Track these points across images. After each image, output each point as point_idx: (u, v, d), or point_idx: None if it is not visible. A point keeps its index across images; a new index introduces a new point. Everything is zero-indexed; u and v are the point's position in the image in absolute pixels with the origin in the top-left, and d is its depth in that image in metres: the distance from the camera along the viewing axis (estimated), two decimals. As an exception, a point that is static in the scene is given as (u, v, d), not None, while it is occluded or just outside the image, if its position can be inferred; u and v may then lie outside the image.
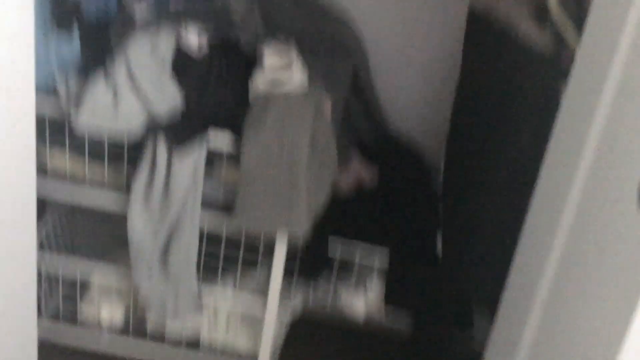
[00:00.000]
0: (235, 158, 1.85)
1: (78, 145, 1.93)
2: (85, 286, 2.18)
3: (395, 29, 2.25)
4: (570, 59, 1.61)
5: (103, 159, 1.94)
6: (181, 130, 1.84)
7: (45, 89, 1.85)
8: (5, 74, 1.64)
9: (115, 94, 1.81)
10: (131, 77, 1.80)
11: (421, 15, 2.21)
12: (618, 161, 1.21)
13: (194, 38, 1.85)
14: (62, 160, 1.96)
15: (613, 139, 1.24)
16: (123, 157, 1.92)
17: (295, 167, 1.79)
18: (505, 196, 1.90)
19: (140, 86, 1.80)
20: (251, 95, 1.84)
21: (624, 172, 1.16)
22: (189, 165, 1.85)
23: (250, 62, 1.91)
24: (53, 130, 1.92)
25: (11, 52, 1.63)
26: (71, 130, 1.89)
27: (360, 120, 2.16)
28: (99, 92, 1.81)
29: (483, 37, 1.88)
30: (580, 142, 1.34)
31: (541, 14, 1.85)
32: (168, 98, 1.83)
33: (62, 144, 1.93)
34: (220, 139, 1.86)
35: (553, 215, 1.41)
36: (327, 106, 1.89)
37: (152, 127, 1.84)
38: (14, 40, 1.63)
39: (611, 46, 1.24)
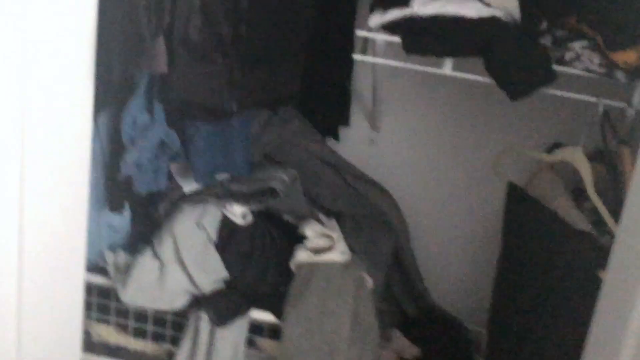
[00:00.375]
0: (276, 331, 1.86)
1: (123, 316, 1.97)
2: None
3: (436, 201, 2.30)
4: (610, 239, 1.65)
5: (146, 332, 1.97)
6: (224, 307, 1.87)
7: (94, 263, 1.91)
8: (58, 249, 1.72)
9: (161, 271, 1.86)
10: (177, 253, 1.86)
11: (461, 187, 2.27)
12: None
13: (239, 208, 1.92)
14: (107, 332, 2.00)
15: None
16: (166, 330, 1.95)
17: (336, 344, 1.80)
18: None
19: (185, 262, 1.85)
20: (293, 265, 1.88)
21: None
22: (231, 340, 1.87)
23: (293, 234, 1.96)
24: (100, 303, 1.97)
25: (65, 228, 1.72)
26: (117, 304, 1.94)
27: (401, 294, 2.17)
28: (145, 269, 1.87)
29: (522, 211, 1.92)
30: (623, 326, 1.33)
31: (578, 194, 1.90)
32: (212, 273, 1.87)
33: (107, 314, 1.98)
34: (262, 313, 1.89)
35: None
36: (369, 282, 1.92)
37: (196, 303, 1.87)
38: (68, 217, 1.72)
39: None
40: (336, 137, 2.21)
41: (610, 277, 1.48)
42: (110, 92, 1.74)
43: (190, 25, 1.66)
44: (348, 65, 2.11)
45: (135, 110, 1.76)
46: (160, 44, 1.66)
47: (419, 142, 2.26)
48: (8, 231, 1.61)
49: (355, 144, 2.25)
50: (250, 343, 1.94)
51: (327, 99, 2.14)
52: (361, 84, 2.18)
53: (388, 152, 2.27)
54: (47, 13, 1.51)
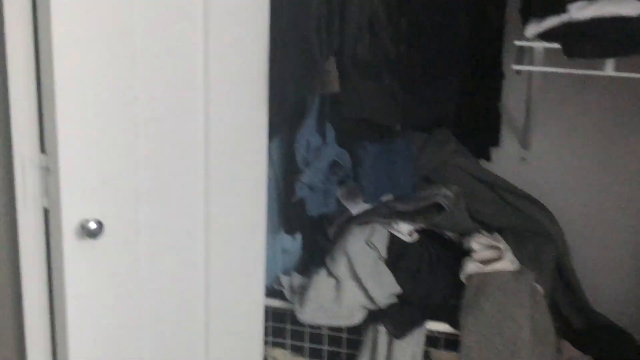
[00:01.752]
0: (452, 341, 1.88)
1: (298, 338, 2.04)
2: None
3: (591, 211, 2.29)
4: None
5: (323, 352, 2.02)
6: (401, 319, 1.91)
7: (269, 288, 1.99)
8: (240, 275, 1.80)
9: (337, 288, 1.92)
10: (352, 270, 1.92)
11: (617, 194, 2.26)
12: None
13: (406, 226, 1.98)
14: (282, 355, 2.06)
15: None
16: (341, 348, 2.00)
17: (518, 346, 1.81)
18: None
19: (361, 278, 1.90)
20: (463, 277, 1.91)
21: None
22: (409, 352, 1.91)
23: (456, 250, 2.01)
24: (275, 326, 2.04)
25: (245, 254, 1.80)
26: (292, 326, 2.00)
27: (565, 305, 2.16)
28: (322, 287, 1.94)
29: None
30: None
31: None
32: (386, 288, 1.92)
33: (282, 337, 2.05)
34: (437, 325, 1.92)
35: None
36: (540, 289, 1.93)
37: (373, 318, 1.92)
38: (247, 243, 1.81)
39: None
40: (487, 157, 2.25)
41: None
42: (284, 118, 1.84)
43: (359, 45, 1.75)
44: (497, 84, 2.17)
45: (308, 133, 1.85)
46: (332, 64, 1.75)
47: (572, 154, 2.27)
48: (197, 260, 1.71)
49: (507, 162, 2.28)
50: (426, 355, 1.96)
51: (477, 120, 2.19)
52: (511, 102, 2.23)
53: (541, 167, 2.29)
54: (226, 50, 1.63)
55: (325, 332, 2.03)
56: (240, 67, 1.70)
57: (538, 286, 1.94)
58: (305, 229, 2.05)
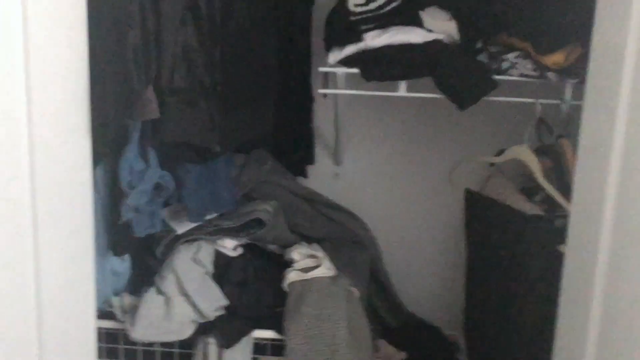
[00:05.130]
0: (279, 347, 2.02)
1: (131, 357, 2.11)
2: None
3: (401, 218, 2.52)
4: (562, 221, 1.88)
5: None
6: (229, 330, 2.03)
7: (100, 309, 2.05)
8: (70, 298, 1.85)
9: (167, 305, 2.01)
10: (180, 286, 2.02)
11: (423, 201, 2.50)
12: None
13: (230, 242, 2.11)
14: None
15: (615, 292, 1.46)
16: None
17: (337, 346, 1.97)
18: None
19: (188, 292, 2.00)
20: (286, 285, 2.06)
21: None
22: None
23: (279, 262, 2.16)
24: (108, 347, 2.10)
25: (74, 277, 1.86)
26: (125, 346, 2.07)
27: (381, 306, 2.37)
28: (152, 305, 2.02)
29: (481, 212, 2.15)
30: (586, 301, 1.56)
31: (527, 191, 2.14)
32: (214, 301, 2.03)
33: (116, 357, 2.11)
34: (264, 333, 2.05)
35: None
36: (355, 292, 2.10)
37: (203, 330, 2.02)
38: (75, 264, 1.86)
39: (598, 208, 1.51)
40: (304, 174, 2.43)
41: (571, 248, 1.71)
42: (107, 144, 1.92)
43: (175, 74, 1.87)
44: (308, 105, 2.35)
45: (132, 157, 1.94)
46: (150, 92, 1.86)
47: (379, 167, 2.50)
48: (27, 288, 1.75)
49: (322, 178, 2.47)
50: (256, 361, 2.09)
51: (293, 140, 2.37)
52: (323, 123, 2.42)
53: (352, 181, 2.50)
54: (46, 74, 1.69)
55: (157, 348, 2.10)
56: (63, 96, 1.76)
57: (354, 289, 2.12)
58: (134, 250, 2.12)
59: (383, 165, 2.50)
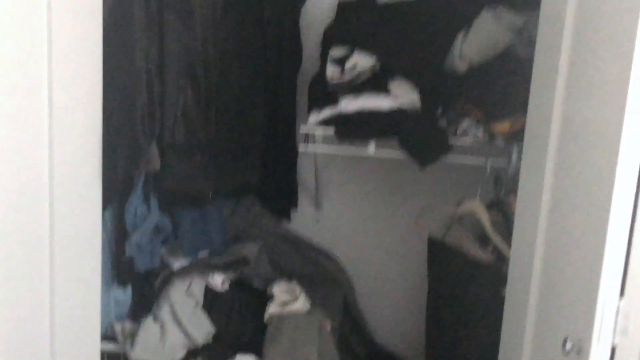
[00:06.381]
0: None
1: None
2: None
3: (372, 260, 2.82)
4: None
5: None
6: (215, 354, 2.32)
7: (104, 333, 2.34)
8: (79, 323, 2.12)
9: (162, 331, 2.30)
10: (174, 315, 2.31)
11: (392, 245, 2.80)
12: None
13: (219, 277, 2.39)
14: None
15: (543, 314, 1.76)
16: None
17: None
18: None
19: (181, 321, 2.29)
20: (266, 317, 2.35)
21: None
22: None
23: (263, 296, 2.45)
24: None
25: (84, 303, 2.13)
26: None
27: (352, 339, 2.65)
28: (149, 331, 2.30)
29: (441, 257, 2.43)
30: (522, 322, 1.85)
31: (483, 239, 2.42)
32: (203, 329, 2.32)
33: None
34: (246, 357, 2.33)
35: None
36: (328, 325, 2.39)
37: (193, 354, 2.31)
38: (84, 293, 2.14)
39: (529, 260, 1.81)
40: (288, 218, 2.73)
41: (509, 290, 2.02)
42: (115, 191, 2.22)
43: (176, 131, 2.17)
44: (293, 158, 2.65)
45: (136, 202, 2.24)
46: (154, 147, 2.16)
47: (355, 213, 2.80)
48: (42, 311, 2.02)
49: (304, 221, 2.77)
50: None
51: (278, 187, 2.67)
52: (305, 173, 2.72)
53: (331, 225, 2.80)
54: (66, 133, 1.97)
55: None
56: (79, 151, 2.04)
57: (326, 323, 2.40)
58: (135, 282, 2.42)
59: (358, 212, 2.80)
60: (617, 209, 1.40)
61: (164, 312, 2.32)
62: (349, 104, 2.28)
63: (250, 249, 2.44)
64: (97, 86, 2.01)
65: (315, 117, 2.32)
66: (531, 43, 1.92)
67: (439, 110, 2.32)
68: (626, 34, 1.37)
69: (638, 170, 1.40)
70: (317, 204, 2.77)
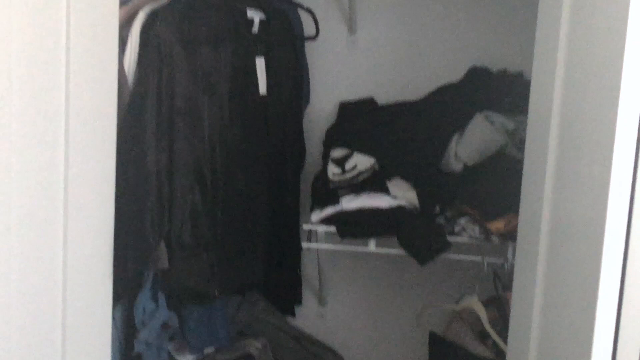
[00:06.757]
0: None
1: None
2: None
3: (375, 355, 2.87)
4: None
5: None
6: None
7: None
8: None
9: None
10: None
11: (394, 340, 2.85)
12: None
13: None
14: None
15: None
16: None
17: None
18: None
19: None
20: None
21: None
22: None
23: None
24: None
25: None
26: None
27: None
28: None
29: (442, 353, 2.48)
30: None
31: (483, 335, 2.48)
32: None
33: None
34: None
35: None
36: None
37: None
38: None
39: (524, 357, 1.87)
40: (292, 314, 2.79)
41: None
42: (125, 288, 2.30)
43: (184, 231, 2.26)
44: (297, 255, 2.73)
45: (144, 300, 2.31)
46: (162, 246, 2.25)
47: (358, 309, 2.87)
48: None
49: (308, 317, 2.83)
50: None
51: (282, 284, 2.74)
52: (308, 269, 2.80)
53: (335, 321, 2.86)
54: (82, 242, 2.06)
55: None
56: (91, 252, 2.12)
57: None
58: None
59: (361, 308, 2.86)
60: (603, 308, 1.47)
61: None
62: (350, 203, 2.37)
63: (254, 345, 2.50)
64: (110, 189, 2.11)
65: (317, 215, 2.42)
66: (522, 144, 2.02)
67: (437, 209, 2.42)
68: (606, 137, 1.45)
69: (621, 264, 1.47)
70: (321, 299, 2.84)
